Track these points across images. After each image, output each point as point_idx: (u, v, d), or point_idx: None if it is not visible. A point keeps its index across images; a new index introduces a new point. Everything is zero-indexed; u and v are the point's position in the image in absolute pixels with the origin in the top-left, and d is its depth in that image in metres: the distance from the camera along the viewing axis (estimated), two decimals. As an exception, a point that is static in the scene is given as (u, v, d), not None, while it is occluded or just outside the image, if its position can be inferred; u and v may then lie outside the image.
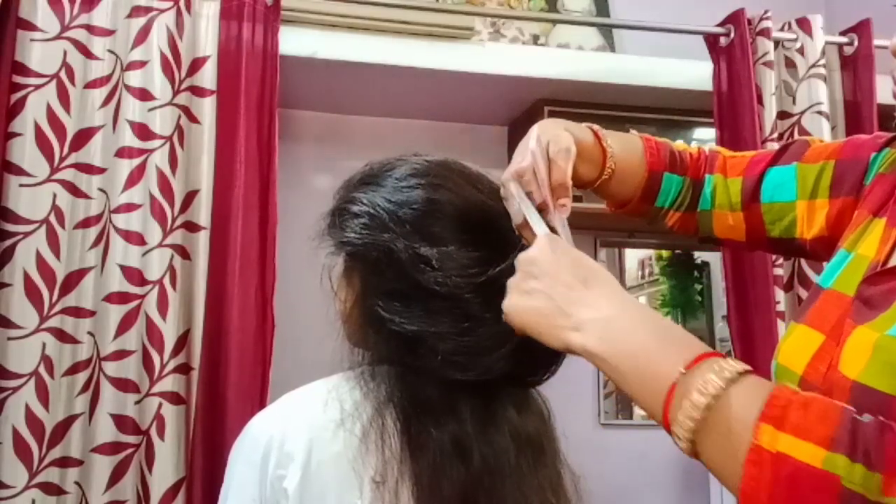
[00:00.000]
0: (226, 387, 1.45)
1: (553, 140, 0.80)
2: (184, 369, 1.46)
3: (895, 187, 0.73)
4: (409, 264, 0.73)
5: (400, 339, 0.74)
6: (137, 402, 1.42)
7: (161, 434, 1.41)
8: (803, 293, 1.71)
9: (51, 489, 1.37)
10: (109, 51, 1.51)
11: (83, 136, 1.48)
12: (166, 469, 1.40)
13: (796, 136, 1.76)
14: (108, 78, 1.50)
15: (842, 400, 0.56)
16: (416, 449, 0.70)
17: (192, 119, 1.53)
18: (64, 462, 1.39)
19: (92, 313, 1.43)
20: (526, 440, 0.75)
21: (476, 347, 0.72)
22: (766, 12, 1.77)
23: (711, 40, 1.81)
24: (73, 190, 1.46)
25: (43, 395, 1.38)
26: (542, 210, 0.76)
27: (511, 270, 0.70)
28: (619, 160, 0.88)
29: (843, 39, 1.85)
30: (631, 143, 0.91)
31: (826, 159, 0.82)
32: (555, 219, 0.76)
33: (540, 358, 0.76)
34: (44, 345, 1.40)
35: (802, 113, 1.77)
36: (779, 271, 1.67)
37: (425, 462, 0.70)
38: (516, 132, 2.14)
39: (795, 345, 0.70)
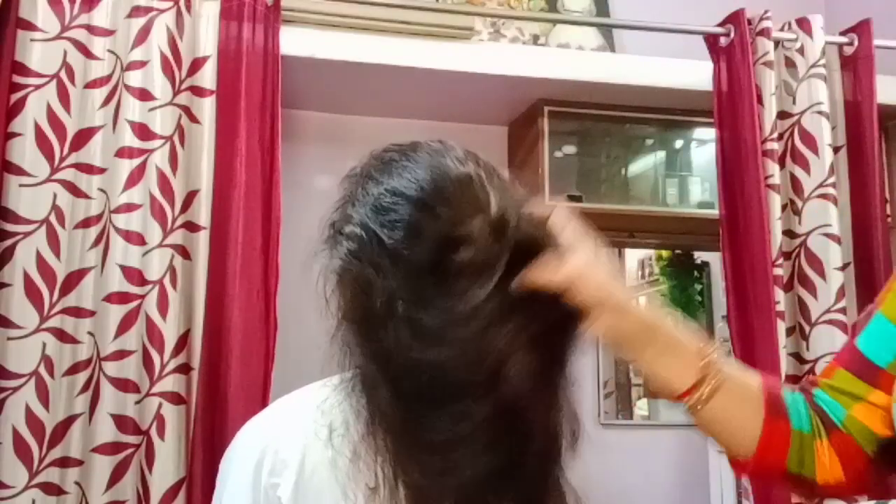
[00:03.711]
0: (226, 387, 1.45)
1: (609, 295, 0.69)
2: (184, 369, 1.45)
3: None
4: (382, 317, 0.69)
5: None
6: (137, 402, 1.42)
7: (161, 434, 1.41)
8: (803, 293, 1.71)
9: (51, 489, 1.37)
10: (109, 51, 1.51)
11: (83, 136, 1.48)
12: (166, 469, 1.40)
13: (796, 136, 1.76)
14: (108, 78, 1.50)
15: None
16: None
17: (193, 119, 1.53)
18: (64, 462, 1.38)
19: (92, 313, 1.43)
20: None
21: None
22: (766, 12, 1.77)
23: (711, 40, 1.81)
24: (74, 190, 1.46)
25: (43, 395, 1.38)
26: None
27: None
28: (729, 377, 0.74)
29: (843, 39, 1.85)
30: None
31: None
32: None
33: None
34: (44, 345, 1.39)
35: (802, 113, 1.77)
36: (779, 271, 1.67)
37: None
38: (516, 132, 2.14)
39: None
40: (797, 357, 1.71)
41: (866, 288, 1.73)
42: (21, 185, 1.43)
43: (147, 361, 1.43)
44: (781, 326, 1.65)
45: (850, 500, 0.83)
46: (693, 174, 2.11)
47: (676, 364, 0.72)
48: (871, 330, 0.77)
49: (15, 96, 1.44)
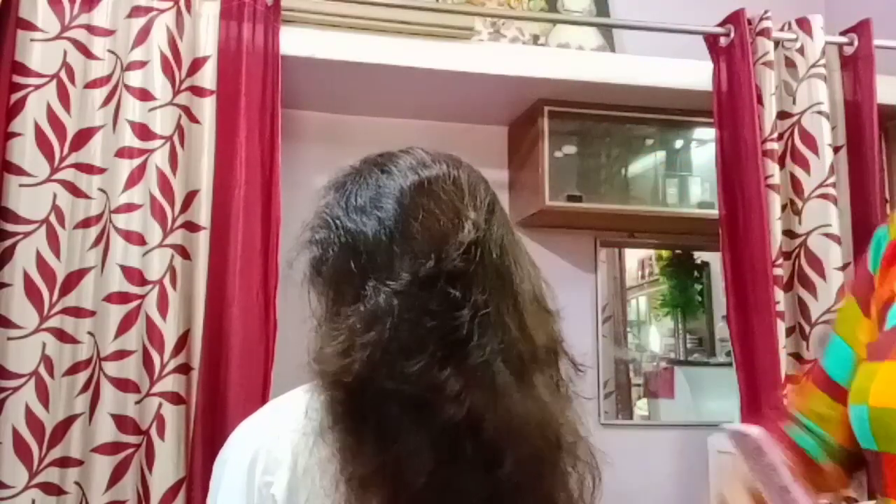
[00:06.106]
0: (226, 387, 1.45)
1: None
2: (184, 369, 1.46)
3: None
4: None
5: None
6: (137, 402, 1.42)
7: (161, 434, 1.41)
8: (803, 293, 1.71)
9: (51, 489, 1.37)
10: (109, 51, 1.51)
11: (83, 136, 1.48)
12: (166, 469, 1.41)
13: (796, 136, 1.76)
14: (108, 78, 1.50)
15: None
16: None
17: (193, 119, 1.53)
18: (64, 462, 1.39)
19: (92, 313, 1.43)
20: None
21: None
22: (766, 12, 1.77)
23: (711, 40, 1.81)
24: (74, 190, 1.46)
25: (43, 395, 1.38)
26: None
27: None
28: None
29: (843, 39, 1.85)
30: None
31: (849, 296, 0.87)
32: None
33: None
34: (44, 345, 1.40)
35: (802, 113, 1.77)
36: (779, 271, 1.67)
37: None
38: (516, 132, 2.14)
39: (892, 384, 0.68)
40: (797, 357, 1.71)
41: (866, 288, 1.73)
42: (21, 185, 1.43)
43: (147, 361, 1.43)
44: (781, 326, 1.65)
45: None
46: (693, 174, 2.11)
47: None
48: (830, 350, 0.86)
49: (15, 96, 1.44)
